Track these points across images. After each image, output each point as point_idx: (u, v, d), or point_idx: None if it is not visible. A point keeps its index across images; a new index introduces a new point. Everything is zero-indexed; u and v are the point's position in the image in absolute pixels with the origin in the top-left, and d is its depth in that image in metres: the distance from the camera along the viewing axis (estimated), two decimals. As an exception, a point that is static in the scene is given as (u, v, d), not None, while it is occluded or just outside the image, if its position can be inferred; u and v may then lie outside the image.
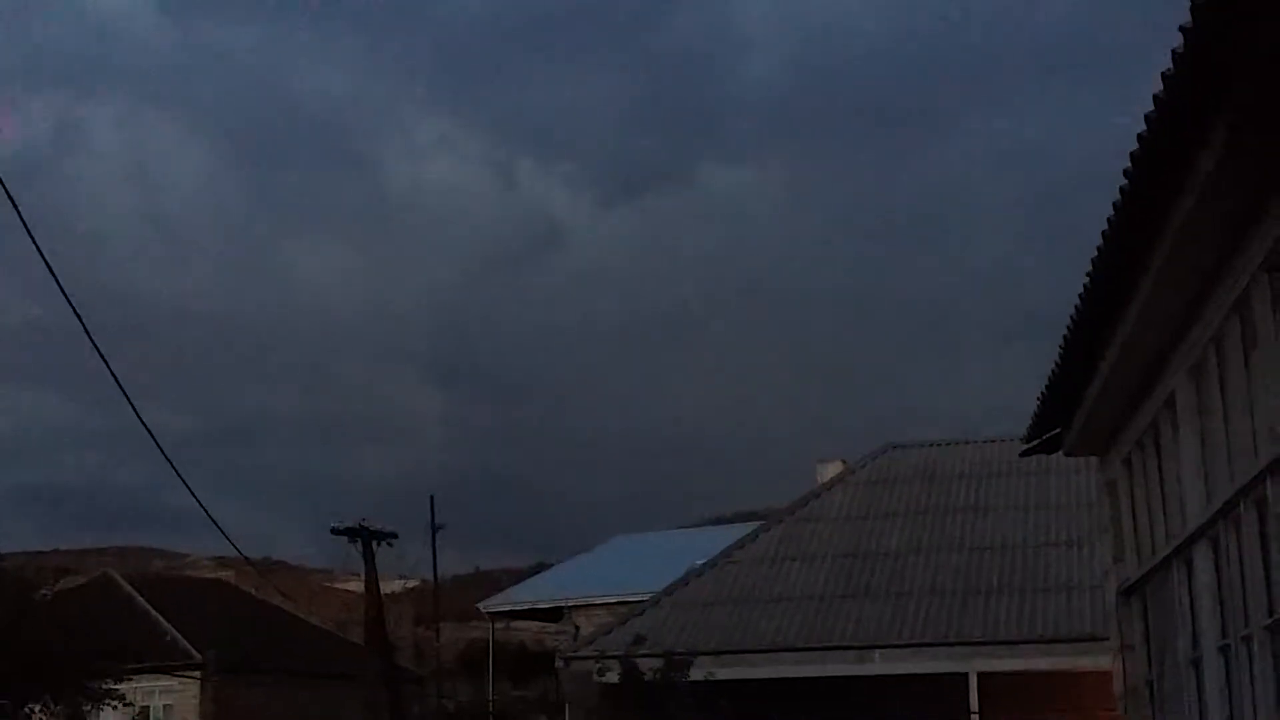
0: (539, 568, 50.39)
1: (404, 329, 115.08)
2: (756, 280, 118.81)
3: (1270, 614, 8.42)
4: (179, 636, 34.29)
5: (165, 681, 33.57)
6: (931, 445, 29.11)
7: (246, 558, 32.66)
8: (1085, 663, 20.00)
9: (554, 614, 38.88)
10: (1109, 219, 8.57)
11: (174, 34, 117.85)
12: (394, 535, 29.53)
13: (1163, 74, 6.75)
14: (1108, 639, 14.42)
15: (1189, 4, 6.10)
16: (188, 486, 22.06)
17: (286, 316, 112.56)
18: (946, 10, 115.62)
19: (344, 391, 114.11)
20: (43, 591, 26.55)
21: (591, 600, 36.52)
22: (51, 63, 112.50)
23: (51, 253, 16.21)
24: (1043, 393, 12.82)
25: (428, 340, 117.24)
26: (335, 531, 28.92)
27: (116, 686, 26.28)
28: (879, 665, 22.68)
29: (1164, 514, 11.35)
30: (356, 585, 38.86)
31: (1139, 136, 7.44)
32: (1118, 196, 8.21)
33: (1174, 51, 6.50)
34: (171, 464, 21.05)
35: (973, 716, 21.74)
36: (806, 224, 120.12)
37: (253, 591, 45.32)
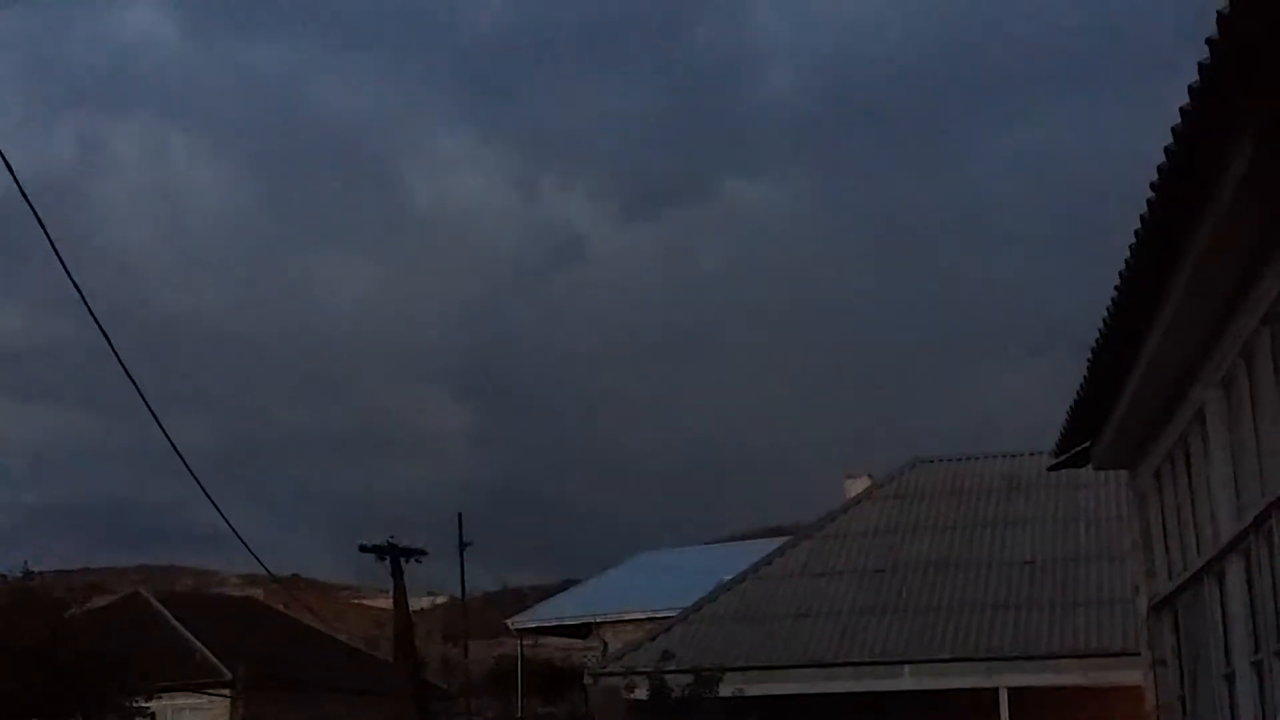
0: (567, 584, 50.33)
1: (428, 345, 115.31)
2: (780, 294, 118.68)
3: (1303, 628, 8.35)
4: (208, 654, 34.34)
5: (194, 699, 33.65)
6: (958, 459, 28.99)
7: (274, 575, 32.81)
8: (1117, 678, 19.84)
9: (582, 630, 38.88)
10: (1136, 231, 8.53)
11: (198, 53, 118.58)
12: (422, 552, 29.58)
13: (1189, 86, 6.73)
14: (1139, 654, 14.32)
15: (1214, 13, 6.08)
16: (215, 505, 22.16)
17: (311, 333, 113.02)
18: (969, 24, 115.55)
19: (370, 408, 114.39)
20: (73, 610, 26.69)
21: (619, 616, 36.49)
22: (76, 83, 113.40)
23: (78, 272, 16.35)
24: (1071, 406, 12.75)
25: (452, 356, 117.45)
26: (364, 549, 29.01)
27: (146, 704, 26.39)
28: (909, 680, 22.57)
29: (1195, 527, 11.27)
30: (385, 602, 38.91)
31: (1165, 149, 7.41)
32: (1144, 209, 8.17)
33: (1200, 64, 6.48)
34: (199, 482, 21.15)
35: (1003, 732, 21.62)
36: (829, 237, 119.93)
37: (282, 608, 45.44)
